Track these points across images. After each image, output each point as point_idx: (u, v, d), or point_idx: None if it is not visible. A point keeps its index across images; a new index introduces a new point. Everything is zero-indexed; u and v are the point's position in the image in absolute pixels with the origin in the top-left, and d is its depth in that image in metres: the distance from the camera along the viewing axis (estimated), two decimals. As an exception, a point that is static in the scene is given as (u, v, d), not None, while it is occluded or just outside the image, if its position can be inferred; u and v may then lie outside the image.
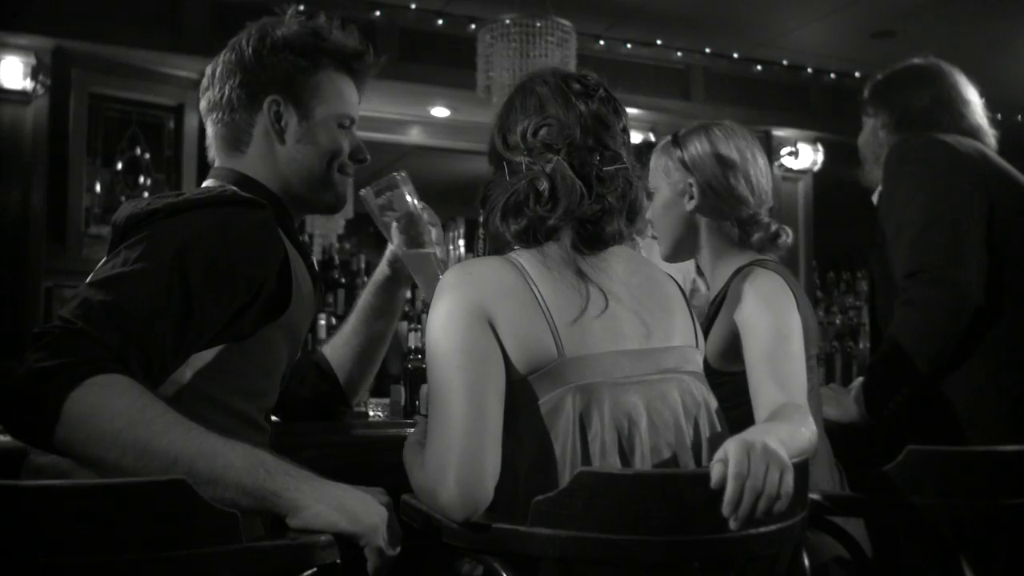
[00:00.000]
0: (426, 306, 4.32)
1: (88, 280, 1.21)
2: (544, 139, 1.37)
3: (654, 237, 1.92)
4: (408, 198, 1.61)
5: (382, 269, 1.70)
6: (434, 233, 1.62)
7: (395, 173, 1.66)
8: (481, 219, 1.44)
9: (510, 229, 1.38)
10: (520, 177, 1.37)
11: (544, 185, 1.35)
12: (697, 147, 1.78)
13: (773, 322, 1.61)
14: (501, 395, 1.27)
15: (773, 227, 1.79)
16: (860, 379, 2.15)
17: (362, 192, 1.66)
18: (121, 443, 1.05)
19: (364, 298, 1.73)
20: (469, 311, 1.28)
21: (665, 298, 1.42)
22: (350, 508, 1.10)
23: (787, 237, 1.81)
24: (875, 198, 2.28)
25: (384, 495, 1.19)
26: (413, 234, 1.62)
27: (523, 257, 1.36)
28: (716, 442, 1.37)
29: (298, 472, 1.11)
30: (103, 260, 1.28)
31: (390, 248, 1.68)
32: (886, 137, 2.25)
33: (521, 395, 1.29)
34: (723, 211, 1.77)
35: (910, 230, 2.03)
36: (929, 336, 1.96)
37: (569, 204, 1.34)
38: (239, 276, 1.27)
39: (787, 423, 1.39)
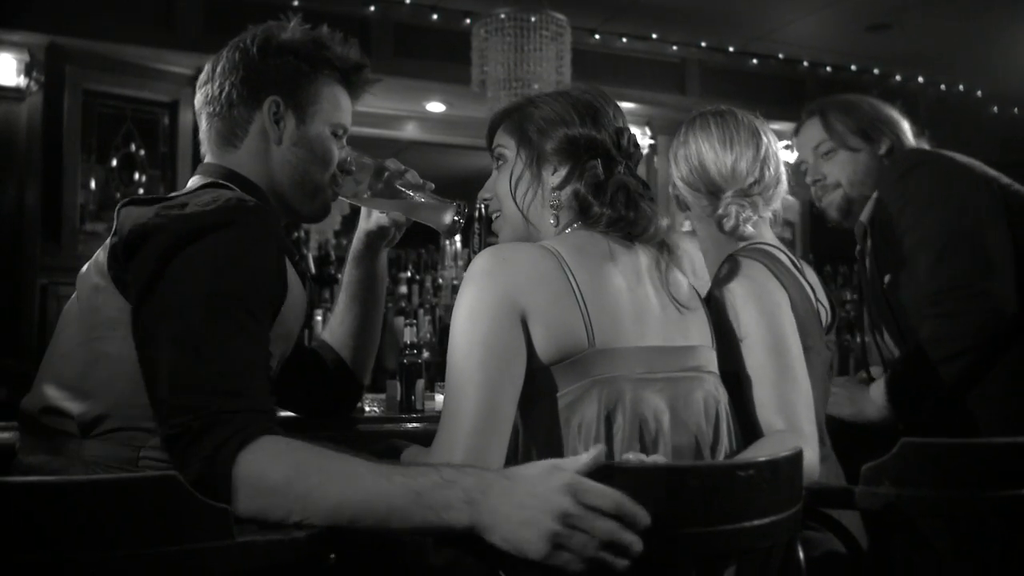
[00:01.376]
0: (425, 300, 4.33)
1: (161, 352, 1.19)
2: (632, 147, 1.46)
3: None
4: (365, 159, 1.60)
5: (359, 238, 1.71)
6: (408, 176, 1.62)
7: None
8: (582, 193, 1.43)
9: (602, 207, 1.40)
10: (625, 176, 1.43)
11: (654, 196, 1.46)
12: (670, 157, 1.82)
13: (768, 331, 1.55)
14: (517, 393, 1.26)
15: (733, 211, 1.72)
16: (879, 380, 2.08)
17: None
18: (288, 507, 1.07)
19: (348, 273, 1.73)
20: (498, 302, 1.26)
21: (685, 295, 1.43)
22: (516, 539, 1.02)
23: (746, 225, 1.73)
24: (864, 217, 2.20)
25: (566, 481, 1.02)
26: (385, 185, 1.61)
27: (558, 245, 1.35)
28: (731, 440, 1.39)
29: (460, 494, 1.04)
30: (101, 259, 1.30)
31: (369, 217, 1.68)
32: (885, 163, 2.17)
33: (542, 384, 1.28)
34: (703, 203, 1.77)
35: (933, 245, 1.99)
36: (967, 349, 1.94)
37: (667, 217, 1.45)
38: (272, 288, 1.31)
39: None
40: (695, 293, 1.48)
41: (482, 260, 1.30)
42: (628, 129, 1.47)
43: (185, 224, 1.25)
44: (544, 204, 1.43)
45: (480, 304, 1.26)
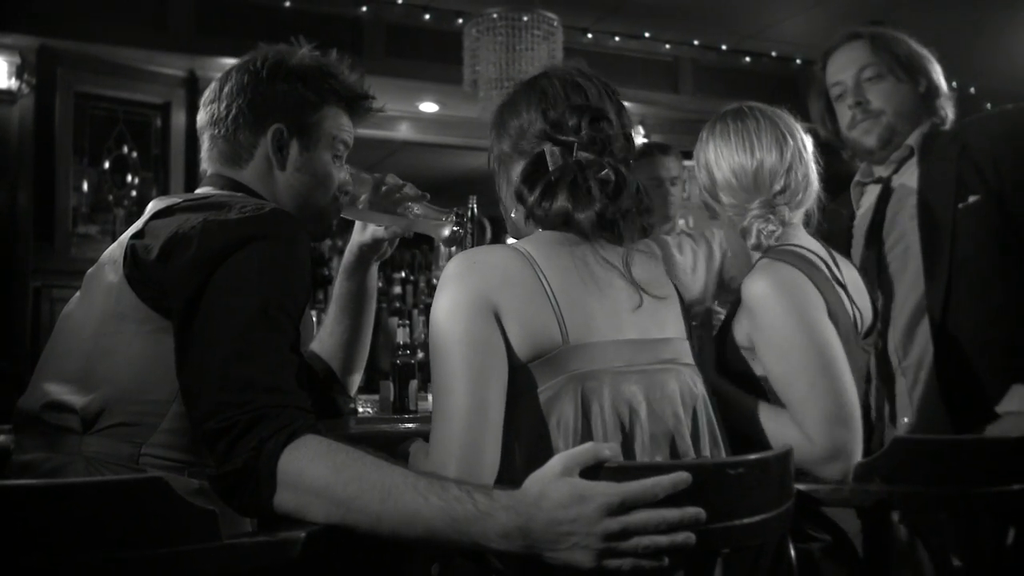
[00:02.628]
0: (418, 301, 4.33)
1: (213, 357, 1.20)
2: (601, 134, 1.40)
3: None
4: (364, 175, 1.64)
5: (351, 250, 1.73)
6: (407, 190, 1.65)
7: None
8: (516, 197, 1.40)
9: (552, 207, 1.35)
10: (582, 166, 1.37)
11: (612, 178, 1.37)
12: (694, 165, 1.76)
13: (807, 336, 1.49)
14: (503, 387, 1.27)
15: (754, 228, 1.64)
16: None
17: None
18: (327, 510, 1.10)
19: (339, 285, 1.76)
20: (473, 301, 1.27)
21: (660, 288, 1.42)
22: (566, 560, 1.04)
23: (770, 240, 1.64)
24: (908, 179, 2.03)
25: (600, 504, 1.04)
26: (384, 199, 1.64)
27: (529, 245, 1.36)
28: (713, 433, 1.38)
29: (497, 528, 1.05)
30: (116, 256, 1.32)
31: (364, 230, 1.71)
32: (923, 106, 2.09)
33: (521, 382, 1.29)
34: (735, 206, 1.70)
35: None
36: None
37: (629, 200, 1.37)
38: (307, 295, 1.34)
39: None
40: (670, 283, 1.46)
41: (453, 264, 1.32)
42: (589, 107, 1.41)
43: (236, 229, 1.27)
44: (513, 200, 1.44)
45: (455, 304, 1.27)
